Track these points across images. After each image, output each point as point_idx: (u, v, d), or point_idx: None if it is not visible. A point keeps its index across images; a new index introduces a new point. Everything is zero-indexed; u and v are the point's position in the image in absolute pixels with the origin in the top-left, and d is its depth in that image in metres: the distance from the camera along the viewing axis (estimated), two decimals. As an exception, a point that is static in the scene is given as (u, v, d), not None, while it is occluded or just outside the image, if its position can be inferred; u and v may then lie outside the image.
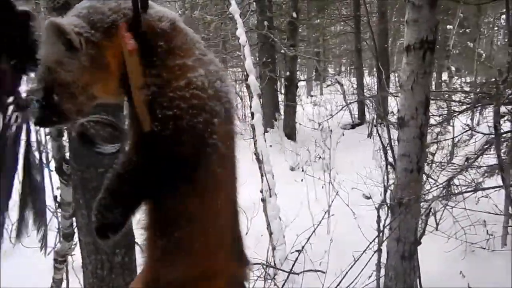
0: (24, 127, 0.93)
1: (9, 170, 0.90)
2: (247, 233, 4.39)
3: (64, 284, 3.11)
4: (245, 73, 4.65)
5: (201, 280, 0.72)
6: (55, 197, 1.57)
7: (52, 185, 3.27)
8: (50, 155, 3.74)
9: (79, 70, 0.63)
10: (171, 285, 0.71)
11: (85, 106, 0.68)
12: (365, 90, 9.86)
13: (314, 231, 3.09)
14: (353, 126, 9.79)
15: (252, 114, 4.25)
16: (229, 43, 11.67)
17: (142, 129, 0.65)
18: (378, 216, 2.85)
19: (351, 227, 4.01)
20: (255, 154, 4.13)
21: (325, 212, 3.51)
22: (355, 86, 10.48)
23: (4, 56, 0.84)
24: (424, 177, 2.85)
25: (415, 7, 2.03)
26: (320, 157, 5.89)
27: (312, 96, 15.57)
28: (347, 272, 2.47)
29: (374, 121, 7.53)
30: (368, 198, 5.11)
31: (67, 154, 1.40)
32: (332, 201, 4.19)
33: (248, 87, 4.57)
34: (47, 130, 1.32)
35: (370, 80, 11.87)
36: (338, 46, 18.01)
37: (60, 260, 1.82)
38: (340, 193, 4.65)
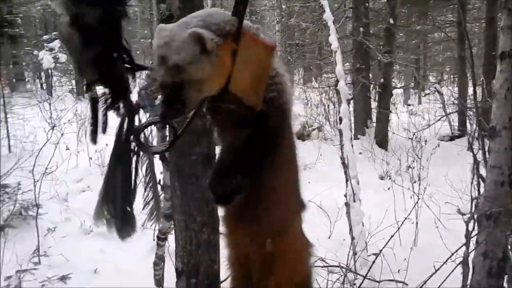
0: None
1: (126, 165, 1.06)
2: (329, 236, 4.44)
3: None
4: (336, 78, 4.71)
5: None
6: (158, 181, 1.81)
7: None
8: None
9: (206, 69, 0.81)
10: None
11: (198, 100, 0.87)
12: (468, 100, 9.21)
13: (393, 236, 3.05)
14: (452, 138, 9.19)
15: (340, 119, 4.29)
16: (324, 49, 11.71)
17: (253, 110, 0.85)
18: (467, 230, 2.72)
19: (439, 241, 3.84)
20: (341, 158, 4.16)
21: (405, 218, 3.43)
22: (456, 95, 9.84)
23: (119, 59, 0.96)
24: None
25: (510, 13, 1.94)
26: (410, 166, 5.67)
27: (409, 105, 14.88)
28: (425, 282, 2.40)
29: (475, 133, 7.00)
30: (463, 214, 4.82)
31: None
32: (419, 212, 4.05)
33: (338, 92, 4.62)
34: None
35: (478, 89, 11.02)
36: (440, 53, 16.97)
37: (162, 237, 2.09)
38: (430, 205, 4.46)
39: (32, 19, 16.96)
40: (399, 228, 3.29)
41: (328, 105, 10.19)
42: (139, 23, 22.33)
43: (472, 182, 3.49)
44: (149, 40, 17.83)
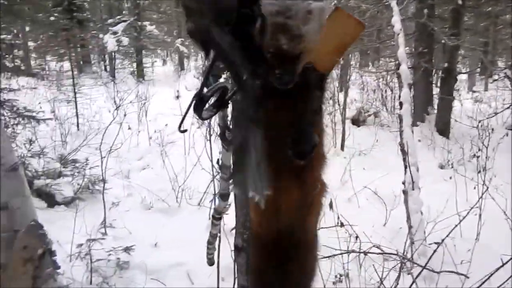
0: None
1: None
2: (385, 224, 4.35)
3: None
4: (397, 62, 4.53)
5: None
6: (217, 160, 1.86)
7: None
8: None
9: (318, 40, 0.83)
10: None
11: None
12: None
13: (456, 226, 2.93)
14: (522, 127, 8.57)
15: (401, 104, 4.14)
16: (384, 33, 11.29)
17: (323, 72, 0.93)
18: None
19: (505, 235, 3.64)
20: (400, 145, 4.03)
21: (471, 208, 3.27)
22: (529, 81, 9.12)
23: None
24: None
25: None
26: (475, 155, 5.38)
27: (474, 91, 14.04)
28: (490, 276, 2.30)
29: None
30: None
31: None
32: (483, 204, 3.85)
33: (399, 76, 4.45)
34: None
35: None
36: (512, 36, 15.74)
37: (217, 217, 2.15)
38: (496, 197, 4.22)
39: (98, 4, 17.78)
40: (464, 217, 3.14)
41: (386, 91, 9.87)
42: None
43: None
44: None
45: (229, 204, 2.11)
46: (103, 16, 17.06)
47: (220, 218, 2.32)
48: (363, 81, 11.07)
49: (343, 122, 7.25)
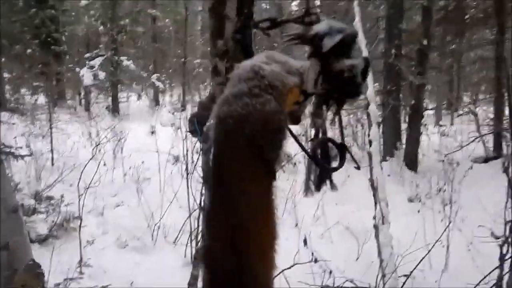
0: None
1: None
2: (357, 258, 4.46)
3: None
4: (367, 101, 4.78)
5: None
6: (199, 202, 1.94)
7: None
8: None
9: None
10: None
11: None
12: (505, 122, 9.02)
13: (424, 258, 3.07)
14: (486, 160, 8.99)
15: (370, 142, 4.35)
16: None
17: None
18: (501, 253, 2.72)
19: (471, 265, 3.81)
20: (370, 181, 4.20)
21: (436, 240, 3.43)
22: (491, 116, 9.66)
23: None
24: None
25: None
26: (440, 189, 5.62)
27: (440, 126, 14.64)
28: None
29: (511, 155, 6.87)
30: (498, 238, 4.74)
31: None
32: (450, 235, 4.03)
33: (368, 115, 4.69)
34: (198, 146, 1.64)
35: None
36: (475, 73, 16.67)
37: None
38: (462, 229, 4.42)
39: (75, 37, 17.89)
40: (430, 250, 3.30)
41: (356, 126, 10.21)
42: (172, 42, 23.10)
43: (506, 206, 3.48)
44: (182, 59, 18.41)
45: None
46: (80, 49, 17.17)
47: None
48: (342, 123, 11.39)
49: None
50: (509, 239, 2.52)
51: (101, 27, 14.72)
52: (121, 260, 4.23)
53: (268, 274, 0.75)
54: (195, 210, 3.93)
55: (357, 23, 5.02)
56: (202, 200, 1.92)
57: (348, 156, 0.97)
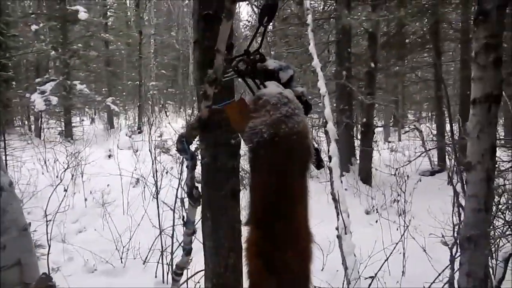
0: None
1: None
2: (323, 268, 4.67)
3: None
4: (324, 120, 5.09)
5: None
6: (183, 217, 2.06)
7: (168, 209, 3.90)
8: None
9: None
10: None
11: None
12: (446, 137, 9.77)
13: (383, 264, 3.33)
14: (432, 173, 9.65)
15: (330, 157, 4.63)
16: (309, 91, 12.26)
17: None
18: (451, 254, 3.03)
19: (426, 269, 4.13)
20: (331, 194, 4.46)
21: (393, 248, 3.72)
22: (434, 132, 10.41)
23: None
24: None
25: (480, 66, 2.34)
26: (395, 200, 6.02)
27: (389, 142, 15.47)
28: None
29: (454, 168, 7.46)
30: (447, 244, 5.13)
31: (197, 183, 1.88)
32: (405, 244, 4.35)
33: (326, 132, 5.00)
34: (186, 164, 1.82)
35: (455, 126, 11.66)
36: (418, 92, 17.86)
37: (179, 272, 2.32)
38: (416, 236, 4.77)
39: (22, 63, 17.30)
40: (388, 257, 3.58)
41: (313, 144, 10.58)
42: (125, 65, 22.91)
43: (453, 211, 3.85)
44: (137, 82, 18.29)
45: (192, 258, 2.29)
46: (30, 75, 16.62)
47: (181, 274, 2.47)
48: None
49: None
50: (457, 240, 2.83)
51: (53, 52, 14.36)
52: (91, 284, 4.18)
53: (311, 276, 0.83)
54: (165, 229, 3.99)
55: (312, 48, 5.38)
56: (184, 216, 2.03)
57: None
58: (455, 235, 3.48)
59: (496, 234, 3.37)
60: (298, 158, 0.82)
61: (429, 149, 9.33)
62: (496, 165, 3.62)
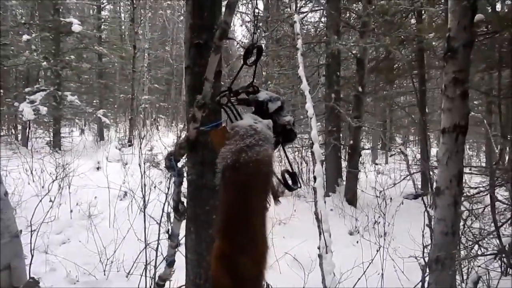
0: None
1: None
2: (304, 286, 4.75)
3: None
4: (311, 141, 5.26)
5: None
6: (167, 230, 2.16)
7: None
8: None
9: None
10: None
11: None
12: (431, 161, 10.00)
13: (359, 279, 3.43)
14: (415, 196, 9.84)
15: (315, 178, 4.77)
16: (297, 111, 12.51)
17: None
18: (423, 273, 3.16)
19: (404, 290, 4.25)
20: (315, 214, 4.59)
21: (367, 267, 3.83)
22: (418, 156, 10.64)
23: None
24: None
25: (449, 98, 2.52)
26: (376, 222, 6.16)
27: (377, 164, 15.71)
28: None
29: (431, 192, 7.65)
30: (420, 263, 5.27)
31: (182, 198, 2.00)
32: (384, 264, 4.47)
33: (312, 153, 5.15)
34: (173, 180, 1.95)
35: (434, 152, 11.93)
36: (405, 117, 18.22)
37: (161, 284, 2.40)
38: (394, 258, 4.89)
39: (12, 71, 17.31)
40: (363, 274, 3.70)
41: (301, 163, 10.76)
42: (117, 77, 23.03)
43: (423, 233, 4.04)
44: (129, 95, 18.38)
45: (174, 271, 2.38)
46: (19, 84, 16.63)
47: (163, 285, 2.57)
48: (280, 155, 11.94)
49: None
50: (426, 259, 2.97)
51: (44, 62, 14.44)
52: (72, 297, 4.20)
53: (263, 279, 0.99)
54: (150, 243, 4.06)
55: (301, 72, 5.58)
56: (169, 230, 2.16)
57: (294, 192, 1.38)
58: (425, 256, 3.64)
59: (461, 255, 3.54)
60: (256, 181, 0.97)
61: (413, 173, 9.53)
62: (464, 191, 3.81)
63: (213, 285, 1.01)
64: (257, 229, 0.96)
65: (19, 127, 16.18)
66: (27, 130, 14.55)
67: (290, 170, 1.43)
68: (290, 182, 1.38)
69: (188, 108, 1.91)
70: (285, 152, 1.56)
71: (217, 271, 0.94)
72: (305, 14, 10.49)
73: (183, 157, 1.94)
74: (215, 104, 1.38)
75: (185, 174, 1.97)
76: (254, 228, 0.96)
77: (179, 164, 1.88)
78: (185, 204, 1.98)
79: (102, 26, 19.70)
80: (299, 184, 1.34)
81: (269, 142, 1.03)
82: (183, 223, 2.06)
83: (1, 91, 14.51)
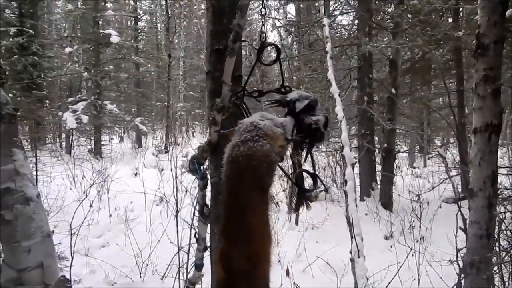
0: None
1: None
2: (336, 291, 4.70)
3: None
4: (342, 144, 5.21)
5: None
6: (195, 234, 2.18)
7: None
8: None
9: None
10: None
11: None
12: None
13: (389, 282, 3.36)
14: (455, 200, 9.47)
15: (346, 181, 4.72)
16: (330, 115, 12.40)
17: None
18: (458, 277, 3.06)
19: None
20: (346, 217, 4.53)
21: (398, 269, 3.73)
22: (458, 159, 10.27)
23: None
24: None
25: (480, 97, 2.44)
26: (411, 226, 6.00)
27: (414, 167, 15.28)
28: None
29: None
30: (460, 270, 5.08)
31: (207, 201, 2.03)
32: (420, 270, 4.34)
33: (343, 157, 5.10)
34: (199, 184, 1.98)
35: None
36: (443, 118, 17.61)
37: (191, 287, 2.41)
38: (431, 263, 4.74)
39: (56, 82, 18.20)
40: (394, 277, 3.61)
41: (335, 168, 10.63)
42: (154, 86, 23.70)
43: (456, 236, 3.91)
44: (165, 103, 18.85)
45: (203, 274, 2.40)
46: (62, 94, 17.46)
47: (193, 288, 2.58)
48: (313, 159, 11.86)
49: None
50: (460, 264, 2.87)
51: (85, 73, 15.09)
52: (110, 298, 4.35)
53: (268, 272, 1.01)
54: (183, 246, 4.15)
55: (330, 75, 5.56)
56: (196, 233, 2.20)
57: (328, 196, 1.40)
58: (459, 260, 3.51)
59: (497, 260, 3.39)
60: (247, 175, 0.99)
61: (452, 176, 9.20)
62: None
63: (214, 277, 1.07)
64: (253, 226, 0.97)
65: (63, 135, 16.97)
66: (70, 138, 15.21)
67: (311, 171, 1.44)
68: (310, 183, 1.39)
69: (210, 112, 1.96)
70: (310, 152, 1.54)
71: (216, 264, 0.99)
72: (334, 17, 10.42)
73: (206, 160, 1.98)
74: (231, 105, 1.42)
75: (208, 177, 2.01)
76: (250, 224, 0.96)
77: (203, 168, 1.93)
78: (209, 207, 2.02)
79: (139, 37, 20.37)
80: (318, 187, 1.34)
81: (272, 138, 1.05)
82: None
83: (47, 101, 15.30)
